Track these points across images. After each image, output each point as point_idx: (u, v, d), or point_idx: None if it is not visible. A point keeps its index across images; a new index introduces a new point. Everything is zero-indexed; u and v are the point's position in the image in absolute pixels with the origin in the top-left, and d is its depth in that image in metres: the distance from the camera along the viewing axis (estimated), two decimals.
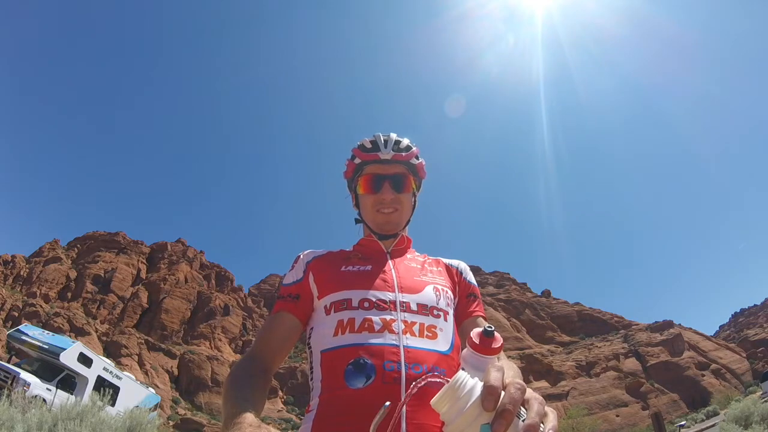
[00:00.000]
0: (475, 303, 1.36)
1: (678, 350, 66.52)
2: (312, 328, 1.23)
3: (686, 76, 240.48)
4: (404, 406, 0.99)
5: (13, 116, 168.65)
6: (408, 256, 1.39)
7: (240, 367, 1.11)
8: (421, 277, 1.29)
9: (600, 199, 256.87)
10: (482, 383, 0.66)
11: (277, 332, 1.22)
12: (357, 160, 1.39)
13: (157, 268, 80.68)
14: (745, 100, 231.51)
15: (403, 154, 1.36)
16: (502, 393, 0.64)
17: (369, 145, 1.37)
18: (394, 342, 1.08)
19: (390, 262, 1.33)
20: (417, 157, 1.40)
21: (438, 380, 0.79)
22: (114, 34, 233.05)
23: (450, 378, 0.69)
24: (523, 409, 0.65)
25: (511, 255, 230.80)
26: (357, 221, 1.46)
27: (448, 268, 1.41)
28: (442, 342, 1.14)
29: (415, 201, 1.43)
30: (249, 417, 0.86)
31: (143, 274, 78.98)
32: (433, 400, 0.68)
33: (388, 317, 1.13)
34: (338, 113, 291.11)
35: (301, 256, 1.36)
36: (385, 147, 1.35)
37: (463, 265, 1.44)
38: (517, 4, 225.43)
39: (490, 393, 0.63)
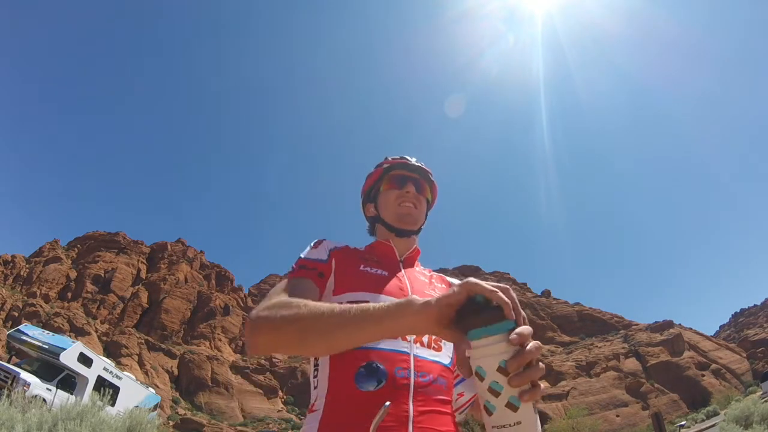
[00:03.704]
0: None
1: (678, 350, 66.47)
2: None
3: (686, 75, 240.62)
4: (410, 406, 1.03)
5: (14, 116, 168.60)
6: (417, 268, 1.43)
7: (285, 299, 0.99)
8: (429, 292, 1.32)
9: (600, 199, 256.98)
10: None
11: (305, 294, 1.07)
12: (385, 165, 1.49)
13: (157, 268, 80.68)
14: (746, 99, 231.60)
15: (426, 168, 1.51)
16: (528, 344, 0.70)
17: (397, 156, 1.51)
18: (405, 350, 1.11)
19: (403, 269, 1.35)
20: (433, 180, 1.53)
21: (440, 386, 0.82)
22: (113, 34, 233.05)
23: (451, 392, 0.71)
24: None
25: (511, 255, 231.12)
26: (370, 233, 1.49)
27: (450, 286, 1.42)
28: (445, 355, 1.19)
29: (426, 212, 1.51)
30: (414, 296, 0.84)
31: (143, 274, 78.97)
32: (471, 333, 0.72)
33: None
34: (338, 113, 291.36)
35: (324, 241, 1.34)
36: (412, 158, 1.50)
37: None
38: (517, 4, 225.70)
39: (521, 332, 0.69)
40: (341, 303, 1.09)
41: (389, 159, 1.51)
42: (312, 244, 1.32)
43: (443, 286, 1.40)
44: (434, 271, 1.48)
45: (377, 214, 1.46)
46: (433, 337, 1.18)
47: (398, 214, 1.40)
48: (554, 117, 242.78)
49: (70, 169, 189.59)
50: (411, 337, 1.14)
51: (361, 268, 1.28)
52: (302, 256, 1.28)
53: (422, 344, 1.15)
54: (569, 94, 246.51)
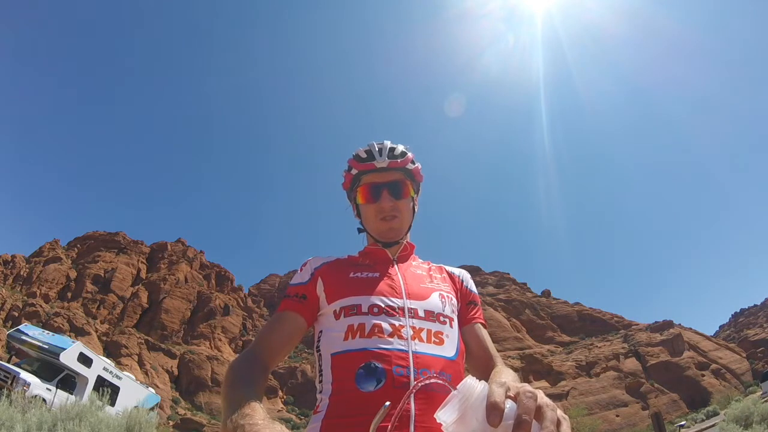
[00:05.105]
0: (475, 310, 1.39)
1: (678, 350, 66.51)
2: (321, 332, 1.25)
3: (686, 75, 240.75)
4: (412, 406, 1.03)
5: (13, 116, 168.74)
6: (413, 263, 1.42)
7: (242, 360, 1.13)
8: (427, 284, 1.32)
9: (600, 199, 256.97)
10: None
11: (281, 331, 1.23)
12: (354, 171, 1.40)
13: (157, 268, 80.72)
14: (745, 99, 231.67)
15: (399, 160, 1.37)
16: (511, 404, 0.66)
17: (364, 155, 1.38)
18: (403, 347, 1.12)
19: (396, 268, 1.36)
20: (413, 162, 1.41)
21: (442, 383, 0.81)
22: (113, 34, 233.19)
23: (456, 385, 0.70)
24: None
25: (511, 255, 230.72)
26: (360, 231, 1.47)
27: (451, 276, 1.44)
28: (449, 348, 1.18)
29: (415, 206, 1.44)
30: (259, 410, 0.87)
31: (143, 274, 79.01)
32: (438, 414, 0.66)
33: (397, 323, 1.16)
34: (337, 113, 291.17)
35: (310, 261, 1.38)
36: (380, 155, 1.36)
37: (465, 274, 1.48)
38: (517, 3, 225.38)
39: (494, 408, 0.63)
40: (335, 310, 1.23)
41: (355, 162, 1.40)
42: (299, 268, 1.38)
43: (443, 275, 1.41)
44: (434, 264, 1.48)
45: (361, 222, 1.45)
46: (434, 330, 1.18)
47: (380, 231, 1.38)
48: (554, 117, 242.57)
49: (70, 168, 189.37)
50: (408, 334, 1.14)
51: (351, 275, 1.31)
52: (289, 283, 1.35)
53: (421, 340, 1.15)
54: (569, 94, 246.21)
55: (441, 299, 1.28)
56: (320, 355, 1.21)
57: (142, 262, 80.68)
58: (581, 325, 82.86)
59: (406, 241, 1.44)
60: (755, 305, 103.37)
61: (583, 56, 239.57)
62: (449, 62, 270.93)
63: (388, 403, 0.81)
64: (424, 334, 1.16)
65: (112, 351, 57.03)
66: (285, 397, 66.12)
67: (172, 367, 62.67)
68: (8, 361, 14.24)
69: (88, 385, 13.59)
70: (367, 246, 1.44)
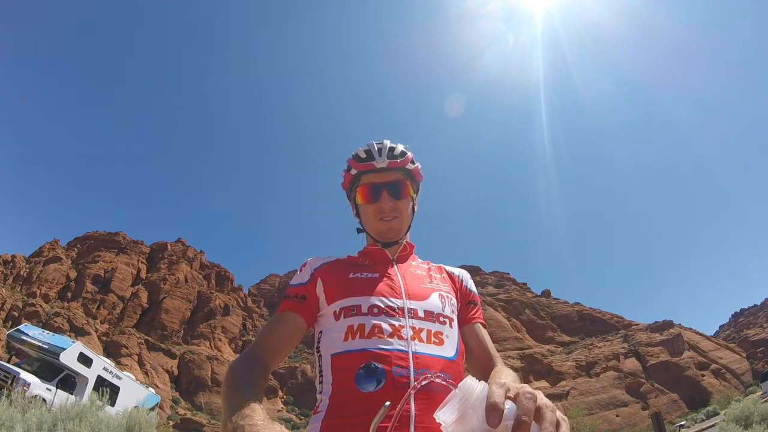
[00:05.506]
0: (475, 309, 1.39)
1: (678, 350, 66.52)
2: (321, 332, 1.25)
3: (686, 75, 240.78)
4: (412, 406, 1.04)
5: (13, 116, 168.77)
6: (413, 263, 1.42)
7: (242, 361, 1.13)
8: (427, 285, 1.32)
9: (600, 199, 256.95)
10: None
11: (281, 331, 1.23)
12: (353, 171, 1.40)
13: (157, 268, 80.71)
14: (745, 99, 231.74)
15: (399, 160, 1.37)
16: (510, 404, 0.66)
17: (363, 155, 1.38)
18: (403, 348, 1.12)
19: (396, 268, 1.35)
20: (413, 162, 1.41)
21: (442, 383, 0.81)
22: (113, 34, 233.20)
23: (456, 384, 0.69)
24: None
25: (511, 255, 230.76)
26: (359, 231, 1.47)
27: (451, 276, 1.44)
28: (449, 348, 1.18)
29: (414, 205, 1.44)
30: (259, 411, 0.87)
31: (143, 274, 79.01)
32: (437, 414, 0.66)
33: (396, 324, 1.16)
34: (337, 113, 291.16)
35: (309, 261, 1.38)
36: (380, 155, 1.35)
37: (465, 274, 1.48)
38: (517, 3, 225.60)
39: (494, 409, 0.64)
40: (334, 311, 1.23)
41: (355, 162, 1.39)
42: (299, 268, 1.38)
43: (442, 275, 1.41)
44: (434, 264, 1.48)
45: (360, 222, 1.45)
46: (434, 330, 1.18)
47: (379, 231, 1.38)
48: (554, 117, 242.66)
49: (70, 168, 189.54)
50: (408, 335, 1.14)
51: (351, 275, 1.30)
52: (289, 283, 1.35)
53: (421, 340, 1.15)
54: (569, 94, 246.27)
55: (441, 299, 1.28)
56: (320, 355, 1.21)
57: (142, 262, 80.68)
58: (581, 325, 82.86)
59: (406, 241, 1.43)
60: (755, 305, 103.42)
61: (583, 56, 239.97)
62: (449, 62, 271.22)
63: (388, 403, 0.81)
64: (423, 335, 1.16)
65: (112, 351, 57.02)
66: (285, 397, 66.13)
67: (172, 367, 62.66)
68: (8, 361, 14.23)
69: (88, 385, 13.58)
70: (367, 246, 1.43)
